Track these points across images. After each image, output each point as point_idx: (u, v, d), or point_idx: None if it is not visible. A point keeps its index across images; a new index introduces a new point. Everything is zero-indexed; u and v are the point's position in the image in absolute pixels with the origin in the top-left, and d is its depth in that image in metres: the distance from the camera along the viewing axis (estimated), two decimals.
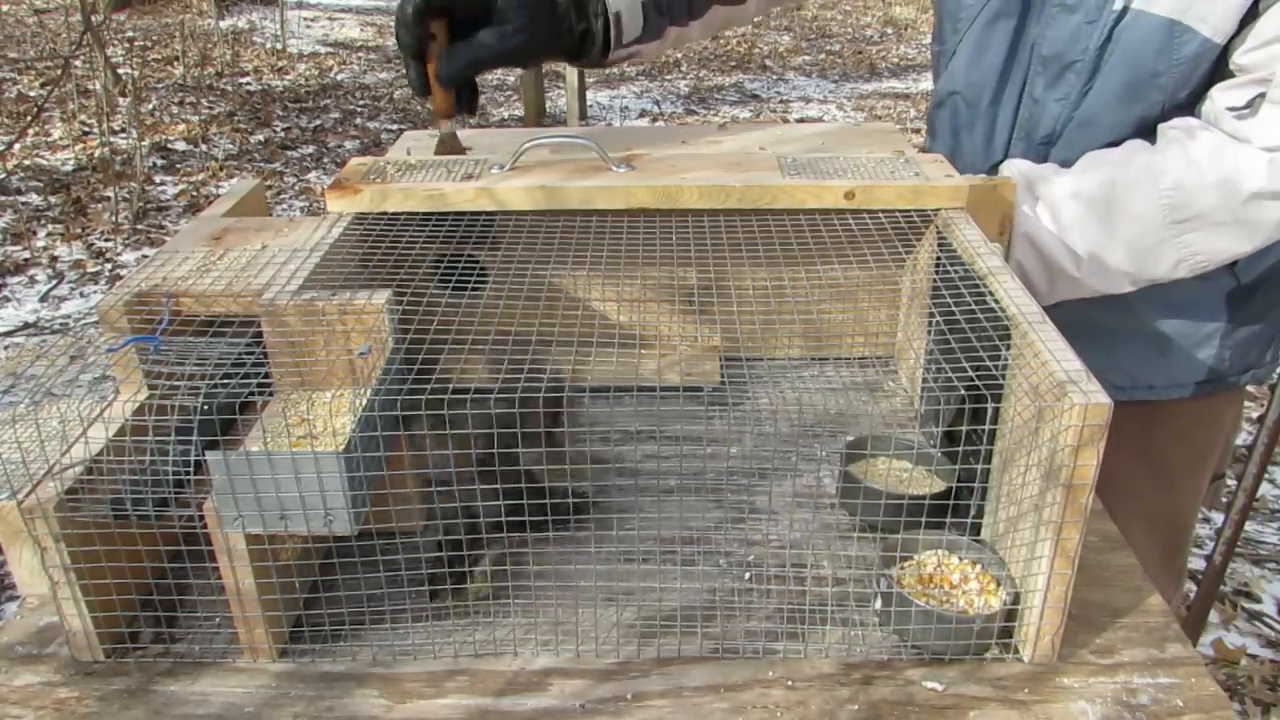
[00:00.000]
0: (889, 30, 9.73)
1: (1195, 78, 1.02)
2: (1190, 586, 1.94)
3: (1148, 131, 1.06)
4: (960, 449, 0.86)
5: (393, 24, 1.06)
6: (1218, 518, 2.15)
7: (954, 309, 0.90)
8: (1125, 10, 1.02)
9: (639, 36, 1.15)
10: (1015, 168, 1.06)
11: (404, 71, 1.09)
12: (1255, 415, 1.73)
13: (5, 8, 9.36)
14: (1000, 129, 1.16)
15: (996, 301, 0.85)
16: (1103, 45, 1.04)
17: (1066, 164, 1.07)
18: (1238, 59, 0.98)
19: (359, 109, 6.63)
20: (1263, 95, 0.96)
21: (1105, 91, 1.06)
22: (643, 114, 6.76)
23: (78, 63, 6.31)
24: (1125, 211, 1.00)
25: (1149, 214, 0.99)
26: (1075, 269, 1.02)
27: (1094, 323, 1.15)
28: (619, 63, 1.18)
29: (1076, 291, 1.06)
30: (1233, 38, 0.98)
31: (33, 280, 3.96)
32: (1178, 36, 0.99)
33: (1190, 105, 1.04)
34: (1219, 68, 1.01)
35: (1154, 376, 1.19)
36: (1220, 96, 0.99)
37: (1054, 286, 1.05)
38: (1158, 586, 0.87)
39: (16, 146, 5.27)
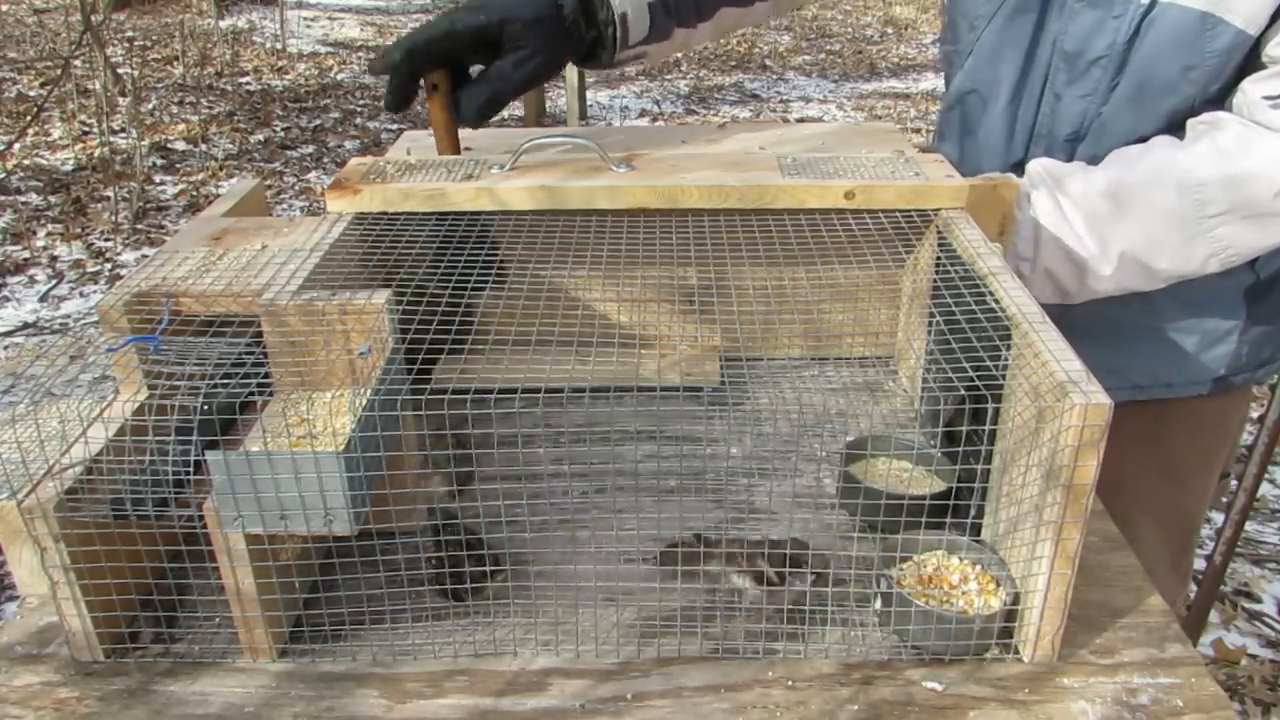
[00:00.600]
0: (889, 30, 9.73)
1: (1227, 71, 1.01)
2: (1190, 586, 1.94)
3: (1177, 127, 1.05)
4: (960, 449, 0.86)
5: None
6: (1218, 518, 2.15)
7: (954, 309, 0.90)
8: (1153, 4, 1.01)
9: (645, 37, 1.15)
10: (1040, 166, 1.05)
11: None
12: (1255, 415, 1.73)
13: (5, 8, 9.36)
14: (1021, 127, 1.15)
15: (997, 301, 0.85)
16: (1130, 40, 1.03)
17: (1094, 161, 1.06)
18: (1271, 49, 0.98)
19: (359, 109, 6.63)
20: None
21: (1133, 87, 1.05)
22: (643, 114, 6.76)
23: (78, 63, 6.30)
24: (1155, 208, 0.99)
25: (1179, 210, 0.99)
26: (1105, 268, 1.02)
27: (1114, 321, 1.14)
28: (626, 64, 1.18)
29: (1105, 290, 1.05)
30: (1265, 29, 0.97)
31: (33, 280, 3.96)
32: (1210, 29, 0.98)
33: (1220, 99, 1.03)
34: (1250, 60, 1.00)
35: (1173, 374, 1.18)
36: (1253, 88, 0.99)
37: (1083, 286, 1.05)
38: (1165, 586, 0.86)
39: (16, 146, 5.27)
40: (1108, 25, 1.04)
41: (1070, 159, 1.10)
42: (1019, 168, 1.13)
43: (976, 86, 1.18)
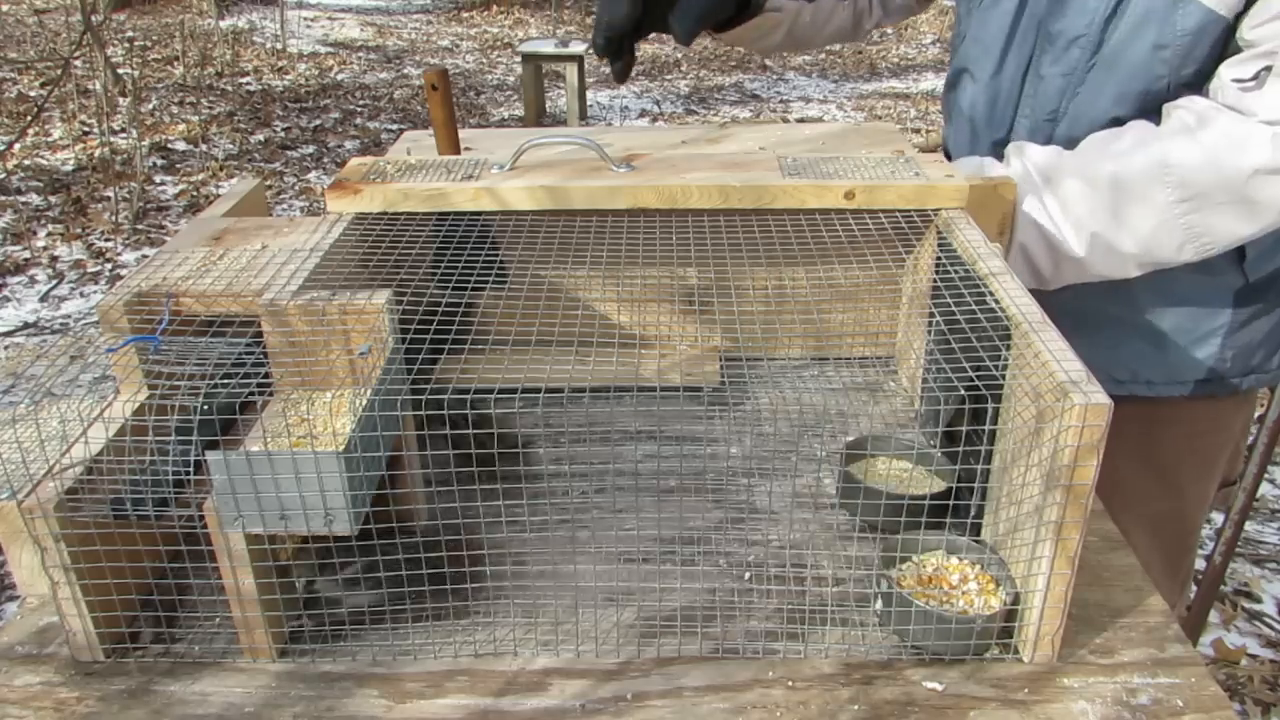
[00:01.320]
0: (889, 30, 9.73)
1: (1200, 53, 1.00)
2: (1191, 588, 1.94)
3: (1153, 110, 1.05)
4: (960, 449, 0.86)
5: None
6: (1218, 518, 2.15)
7: (954, 310, 0.90)
8: None
9: None
10: (1028, 159, 1.05)
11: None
12: (1256, 415, 1.73)
13: (5, 8, 9.36)
14: (1004, 106, 1.16)
15: (997, 302, 0.85)
16: (1108, 19, 1.03)
17: (1072, 141, 1.06)
18: (1246, 33, 0.97)
19: (359, 109, 6.64)
20: (1269, 69, 0.95)
21: (1107, 67, 1.05)
22: (643, 114, 6.77)
23: (78, 63, 6.31)
24: (1130, 193, 0.99)
25: (1152, 195, 0.98)
26: (1080, 250, 1.02)
27: (1096, 313, 1.14)
28: (768, 10, 1.18)
29: (1081, 275, 1.05)
30: (1241, 14, 0.97)
31: (33, 280, 3.96)
32: (1181, 8, 0.98)
33: (1198, 84, 1.03)
34: (1228, 45, 1.00)
35: (1153, 371, 1.18)
36: (1226, 71, 0.99)
37: (1059, 269, 1.05)
38: (1161, 591, 0.86)
39: (16, 146, 5.28)
40: (1088, 4, 1.05)
41: (1048, 140, 1.10)
42: (1003, 145, 1.13)
43: (967, 65, 1.20)
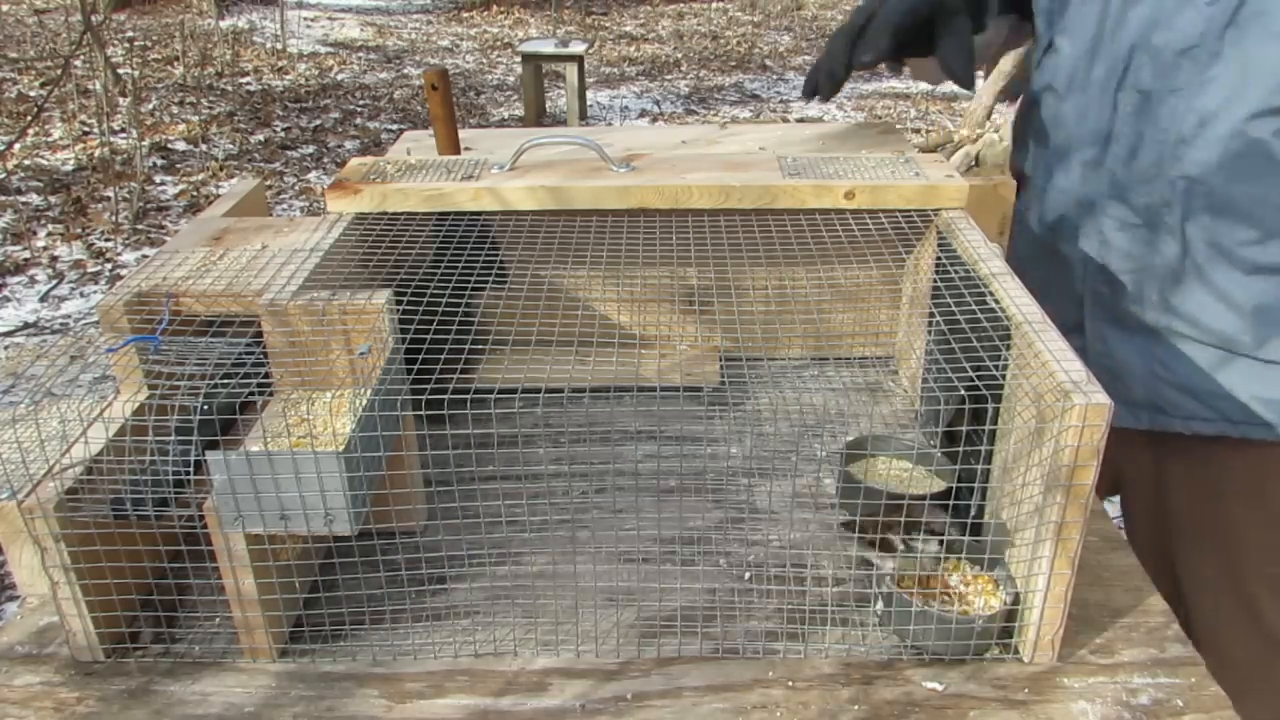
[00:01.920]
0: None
1: None
2: None
3: None
4: (961, 450, 0.86)
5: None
6: None
7: (954, 310, 0.90)
8: None
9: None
10: None
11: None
12: None
13: (5, 8, 9.37)
14: (1098, 120, 1.02)
15: (997, 303, 0.85)
16: (1226, 26, 0.90)
17: (1206, 166, 0.94)
18: None
19: (359, 109, 6.63)
20: None
21: (1240, 79, 0.91)
22: (643, 114, 6.76)
23: (78, 63, 6.31)
24: None
25: None
26: None
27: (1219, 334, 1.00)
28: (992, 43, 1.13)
29: None
30: None
31: (33, 280, 3.96)
32: None
33: None
34: None
35: (1275, 411, 1.00)
36: None
37: None
38: None
39: (16, 146, 5.28)
40: (1201, 12, 0.92)
41: (1163, 160, 0.96)
42: (1093, 167, 1.02)
43: (1050, 80, 1.08)
